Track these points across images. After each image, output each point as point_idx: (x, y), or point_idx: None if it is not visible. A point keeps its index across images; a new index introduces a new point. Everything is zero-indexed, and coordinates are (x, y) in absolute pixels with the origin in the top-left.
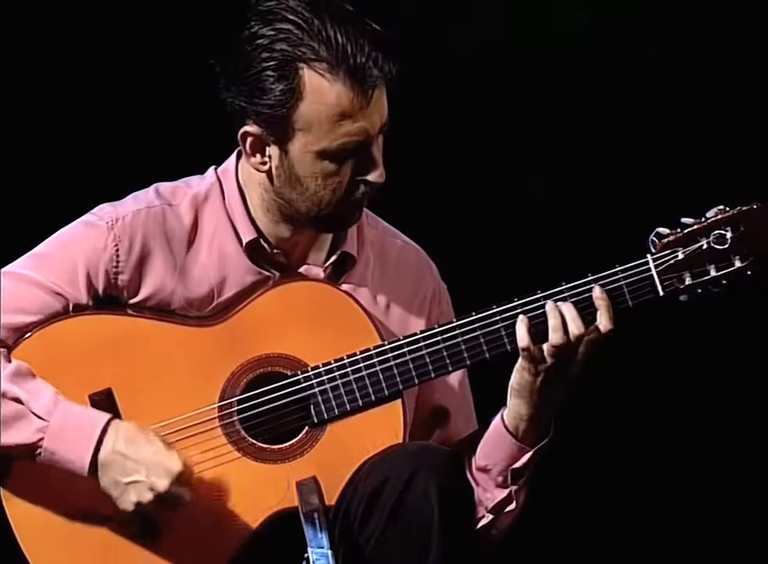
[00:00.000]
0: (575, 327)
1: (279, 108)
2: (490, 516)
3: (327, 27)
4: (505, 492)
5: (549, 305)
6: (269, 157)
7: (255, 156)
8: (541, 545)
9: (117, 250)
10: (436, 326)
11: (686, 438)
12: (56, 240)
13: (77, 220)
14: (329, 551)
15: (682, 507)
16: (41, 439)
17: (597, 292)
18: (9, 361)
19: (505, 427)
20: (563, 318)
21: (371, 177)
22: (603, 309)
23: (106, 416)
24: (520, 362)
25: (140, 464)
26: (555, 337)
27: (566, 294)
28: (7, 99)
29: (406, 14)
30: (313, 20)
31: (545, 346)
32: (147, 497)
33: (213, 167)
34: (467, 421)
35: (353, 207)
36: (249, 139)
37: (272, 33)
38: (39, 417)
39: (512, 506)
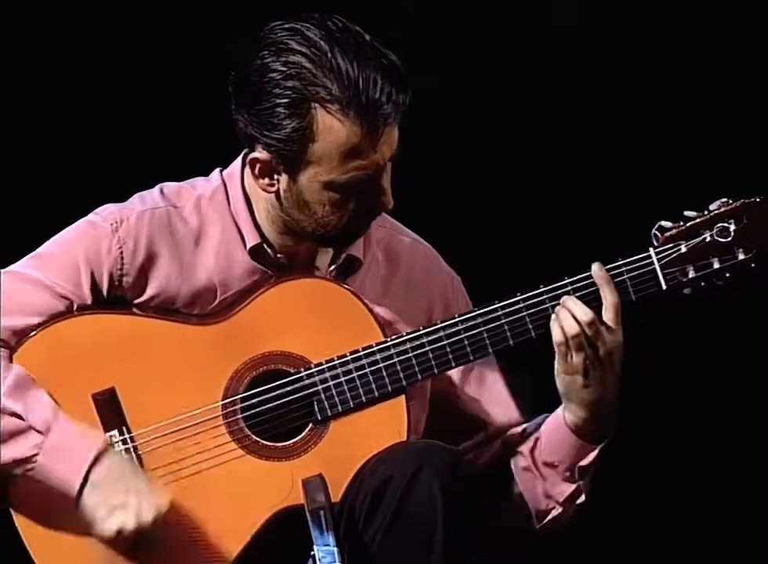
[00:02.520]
0: (582, 313)
1: (290, 143)
2: (560, 509)
3: (338, 60)
4: (574, 486)
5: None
6: (277, 181)
7: (263, 179)
8: (540, 543)
9: (122, 252)
10: (438, 322)
11: (689, 431)
12: (59, 241)
13: (81, 220)
14: (335, 549)
15: (678, 506)
16: (36, 455)
17: (595, 268)
18: (10, 361)
19: (568, 426)
20: (568, 311)
21: (379, 206)
22: (604, 285)
23: (102, 438)
24: (556, 367)
25: (131, 491)
26: (567, 325)
27: (569, 288)
28: (11, 99)
29: (406, 14)
30: (326, 54)
31: (570, 342)
32: (131, 523)
33: (218, 169)
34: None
35: (358, 229)
36: (258, 165)
37: (284, 68)
38: (37, 432)
39: (583, 498)
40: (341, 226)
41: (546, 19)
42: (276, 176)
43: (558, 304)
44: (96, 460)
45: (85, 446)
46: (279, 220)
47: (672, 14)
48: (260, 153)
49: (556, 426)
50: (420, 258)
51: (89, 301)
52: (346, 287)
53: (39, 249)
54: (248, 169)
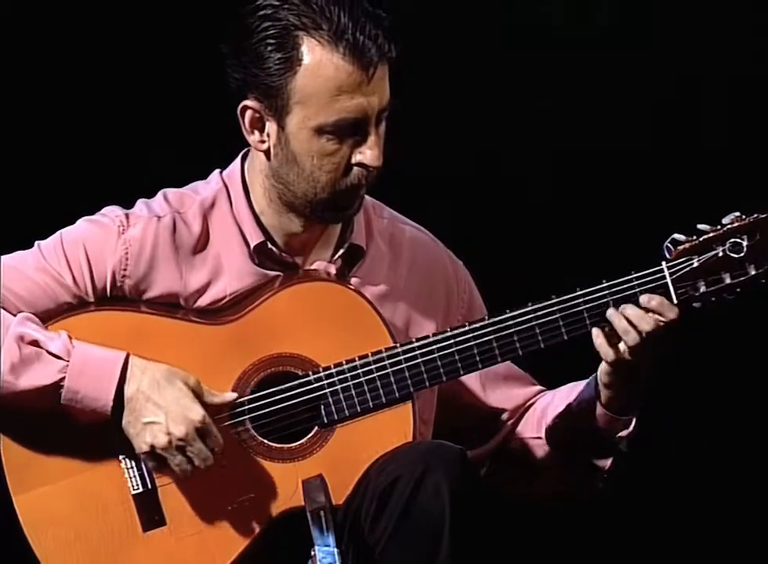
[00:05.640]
0: (645, 323)
1: (277, 77)
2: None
3: (330, 4)
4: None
5: (611, 312)
6: (268, 135)
7: (253, 133)
8: (544, 545)
9: (127, 254)
10: (449, 329)
11: (693, 441)
12: (64, 236)
13: (87, 218)
14: (335, 549)
15: (678, 509)
16: (62, 379)
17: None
18: None
19: (605, 408)
20: (627, 320)
21: (368, 160)
22: (663, 307)
23: (124, 353)
24: (603, 368)
25: (160, 407)
26: (629, 338)
27: (581, 301)
28: (10, 101)
29: (406, 14)
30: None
31: (620, 348)
32: (162, 440)
33: (218, 170)
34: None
35: (350, 193)
36: (248, 114)
37: (276, 2)
38: (58, 357)
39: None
40: (330, 184)
41: (548, 19)
42: (266, 127)
43: (567, 315)
44: (123, 378)
45: (109, 368)
46: (274, 193)
47: (679, 12)
48: (250, 101)
49: (597, 412)
50: (421, 244)
51: (92, 298)
52: (356, 290)
53: (44, 241)
54: (247, 161)
